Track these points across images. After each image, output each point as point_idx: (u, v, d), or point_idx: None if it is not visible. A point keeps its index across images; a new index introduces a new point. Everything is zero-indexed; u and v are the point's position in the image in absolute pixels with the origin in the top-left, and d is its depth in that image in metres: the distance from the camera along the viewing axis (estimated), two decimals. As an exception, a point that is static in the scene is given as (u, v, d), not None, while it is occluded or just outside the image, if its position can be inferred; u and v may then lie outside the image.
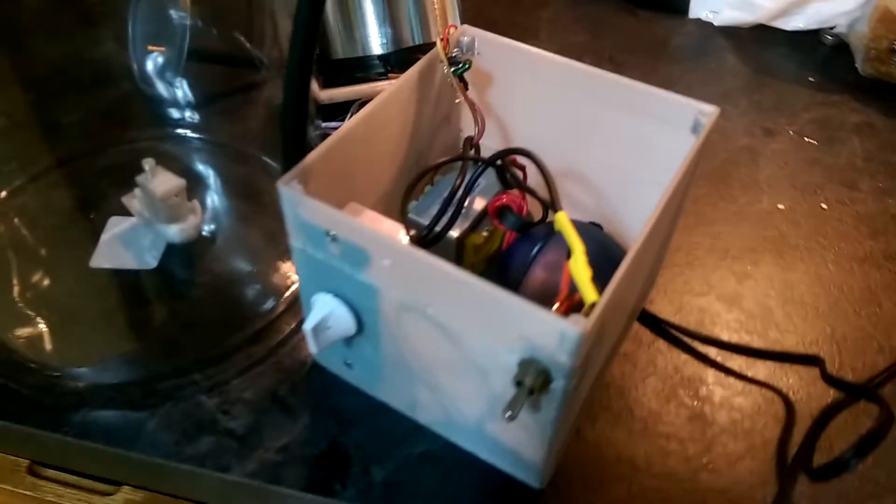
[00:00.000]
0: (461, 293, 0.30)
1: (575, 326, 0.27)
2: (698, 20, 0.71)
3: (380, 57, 0.51)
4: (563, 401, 0.30)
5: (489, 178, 0.41)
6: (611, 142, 0.41)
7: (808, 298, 0.47)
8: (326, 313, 0.35)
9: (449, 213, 0.38)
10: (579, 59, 0.41)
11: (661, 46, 0.69)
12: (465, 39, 0.41)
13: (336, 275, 0.34)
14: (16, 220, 0.47)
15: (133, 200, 0.46)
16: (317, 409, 0.40)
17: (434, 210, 0.41)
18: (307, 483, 0.37)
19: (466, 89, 0.42)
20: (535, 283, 0.38)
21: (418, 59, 0.41)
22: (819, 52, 0.69)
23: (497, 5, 0.73)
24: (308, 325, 0.34)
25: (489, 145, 0.45)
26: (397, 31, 0.50)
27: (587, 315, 0.28)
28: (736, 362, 0.43)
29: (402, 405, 0.39)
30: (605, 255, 0.40)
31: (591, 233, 0.42)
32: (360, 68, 0.51)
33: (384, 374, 0.38)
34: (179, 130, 0.51)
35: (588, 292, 0.30)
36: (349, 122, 0.36)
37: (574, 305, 0.32)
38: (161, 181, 0.44)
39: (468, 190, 0.37)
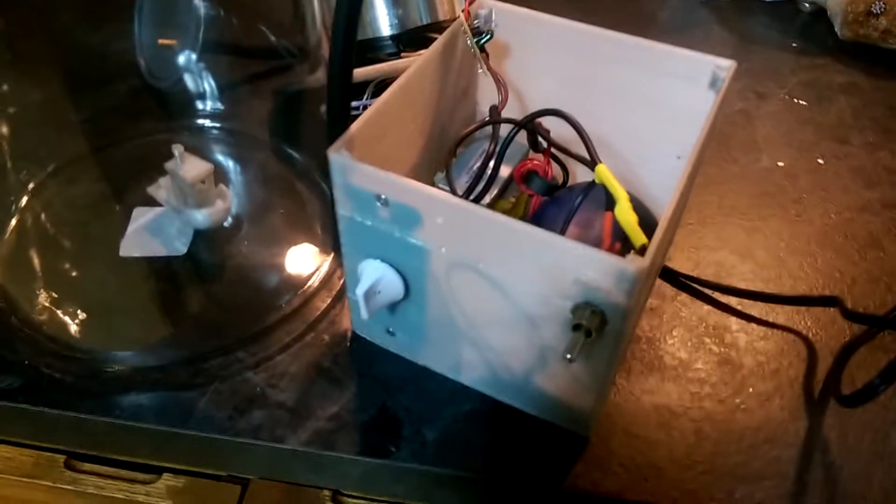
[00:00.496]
0: (516, 243, 0.31)
1: (632, 265, 0.29)
2: (682, -6, 0.74)
3: (390, 37, 0.52)
4: (618, 342, 0.32)
5: (512, 147, 0.42)
6: (628, 104, 0.43)
7: (816, 247, 0.49)
8: (377, 278, 0.36)
9: (485, 179, 0.39)
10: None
11: (649, 21, 0.71)
12: (483, 11, 0.43)
13: (385, 240, 0.35)
14: (42, 214, 0.48)
15: (159, 190, 0.47)
16: (362, 378, 0.41)
17: (463, 180, 0.42)
18: (362, 447, 0.38)
19: (487, 60, 0.43)
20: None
21: (428, 37, 0.43)
22: (799, 20, 0.72)
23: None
24: (360, 291, 0.35)
25: (506, 117, 0.47)
26: (405, 11, 0.51)
27: (641, 255, 0.29)
28: (755, 309, 0.45)
29: (445, 368, 0.41)
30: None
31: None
32: (370, 49, 0.52)
33: (428, 338, 0.39)
34: (197, 121, 0.52)
35: (637, 236, 0.31)
36: (386, 95, 0.37)
37: (616, 254, 0.34)
38: (190, 166, 0.44)
39: (502, 154, 0.38)
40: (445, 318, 0.37)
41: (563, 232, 0.39)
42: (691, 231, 0.50)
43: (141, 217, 0.48)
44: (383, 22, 0.51)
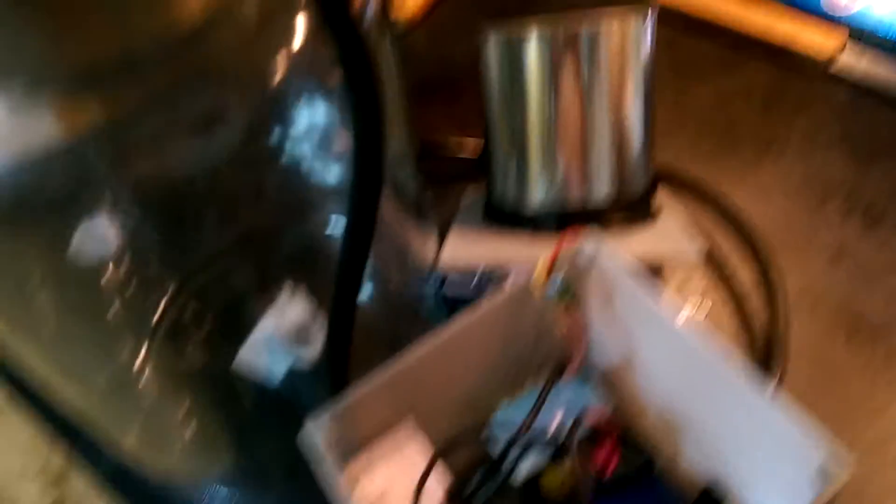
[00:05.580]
0: None
1: None
2: None
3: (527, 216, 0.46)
4: None
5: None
6: (728, 432, 0.33)
7: None
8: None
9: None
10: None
11: None
12: (588, 250, 0.36)
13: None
14: (192, 302, 0.53)
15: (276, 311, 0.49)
16: None
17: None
18: None
19: (577, 306, 0.36)
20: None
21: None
22: None
23: (746, 105, 0.61)
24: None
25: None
26: (556, 187, 0.45)
27: None
28: None
29: None
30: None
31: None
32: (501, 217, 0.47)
33: None
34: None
35: None
36: (420, 350, 0.34)
37: None
38: (290, 311, 0.46)
39: (513, 463, 0.33)
40: None
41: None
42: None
43: (266, 328, 0.50)
44: (533, 195, 0.45)
